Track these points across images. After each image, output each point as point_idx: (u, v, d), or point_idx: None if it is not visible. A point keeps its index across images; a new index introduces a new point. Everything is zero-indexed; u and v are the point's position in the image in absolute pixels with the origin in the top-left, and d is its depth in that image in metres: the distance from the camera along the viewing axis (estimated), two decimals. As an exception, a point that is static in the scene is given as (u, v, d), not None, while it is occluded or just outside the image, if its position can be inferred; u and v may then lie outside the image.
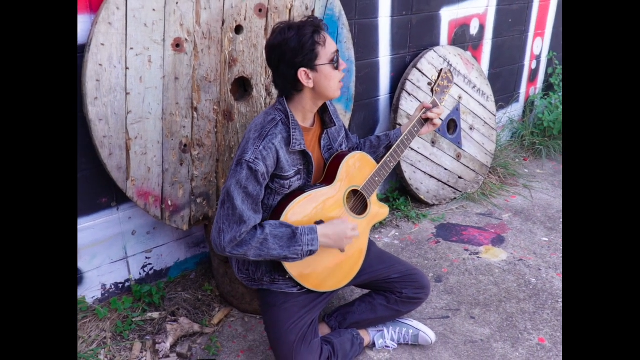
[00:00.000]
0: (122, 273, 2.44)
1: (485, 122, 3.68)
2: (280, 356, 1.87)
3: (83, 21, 1.94)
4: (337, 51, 1.81)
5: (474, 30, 3.64)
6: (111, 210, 2.29)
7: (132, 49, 1.97)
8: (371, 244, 2.25)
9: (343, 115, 2.78)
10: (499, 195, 3.68)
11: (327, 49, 1.78)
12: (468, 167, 3.60)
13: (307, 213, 1.89)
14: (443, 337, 2.32)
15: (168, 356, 2.18)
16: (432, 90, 2.22)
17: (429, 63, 3.25)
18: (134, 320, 2.33)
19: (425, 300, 2.26)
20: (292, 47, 1.74)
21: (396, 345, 2.24)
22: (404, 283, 2.18)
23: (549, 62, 4.51)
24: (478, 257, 2.92)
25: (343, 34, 2.60)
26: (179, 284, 2.61)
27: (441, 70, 2.24)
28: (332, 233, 1.86)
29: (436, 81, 2.22)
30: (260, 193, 1.79)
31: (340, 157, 2.01)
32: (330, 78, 1.80)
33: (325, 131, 2.01)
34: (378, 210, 2.16)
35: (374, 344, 2.23)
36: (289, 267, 1.90)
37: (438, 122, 2.20)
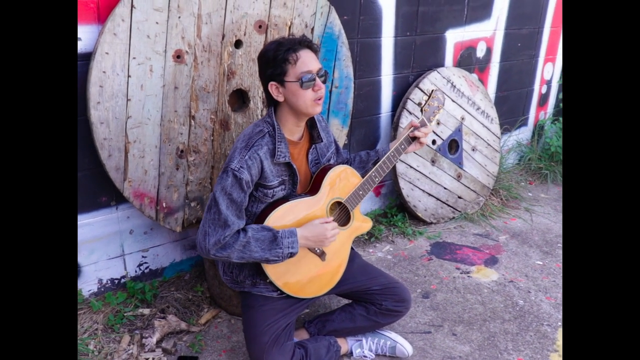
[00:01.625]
0: (119, 269, 2.56)
1: (489, 144, 3.72)
2: (252, 355, 1.96)
3: (91, 31, 2.09)
4: (314, 72, 1.85)
5: (480, 53, 3.70)
6: (110, 209, 2.42)
7: (134, 58, 2.11)
8: (355, 256, 2.33)
9: (340, 131, 2.87)
10: (498, 217, 3.71)
11: (298, 67, 1.83)
12: (468, 187, 3.65)
13: (288, 220, 1.97)
14: (422, 351, 2.37)
15: (153, 350, 2.28)
16: (421, 110, 2.29)
17: (432, 83, 3.32)
18: (125, 314, 2.44)
19: (405, 314, 2.31)
20: (266, 59, 1.87)
21: (374, 356, 2.30)
22: (385, 295, 2.24)
23: (561, 87, 4.52)
24: (468, 276, 2.96)
25: (342, 52, 2.70)
26: (172, 283, 2.72)
27: (432, 91, 2.31)
28: (311, 234, 1.94)
29: (426, 101, 2.30)
30: (244, 200, 1.88)
31: (325, 170, 2.09)
32: (297, 96, 1.87)
33: (313, 146, 2.10)
34: (361, 223, 2.23)
35: (351, 353, 2.30)
36: (270, 272, 1.99)
37: (424, 140, 2.26)
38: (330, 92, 2.75)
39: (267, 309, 2.03)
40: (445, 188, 3.52)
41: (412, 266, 3.05)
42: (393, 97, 3.34)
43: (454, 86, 3.44)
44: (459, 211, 3.63)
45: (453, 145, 3.55)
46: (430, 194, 3.46)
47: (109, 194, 2.38)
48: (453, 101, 3.45)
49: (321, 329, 2.28)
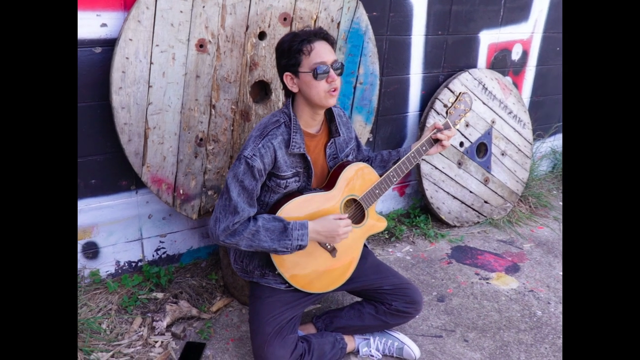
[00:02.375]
0: (136, 253, 2.62)
1: (519, 149, 3.62)
2: (255, 345, 1.96)
3: (117, 17, 2.14)
4: (328, 63, 1.84)
5: (515, 55, 3.60)
6: (130, 193, 2.47)
7: (157, 45, 2.14)
8: (369, 254, 2.31)
9: (363, 127, 2.84)
10: (525, 224, 3.60)
11: (312, 58, 1.83)
12: (496, 192, 3.56)
13: (301, 213, 1.97)
14: (431, 355, 2.33)
15: (163, 334, 2.32)
16: (446, 112, 2.24)
17: (462, 84, 3.26)
18: (139, 297, 2.49)
19: (414, 316, 2.27)
20: (281, 50, 1.88)
21: (380, 356, 2.27)
22: (395, 295, 2.21)
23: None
24: (487, 283, 2.89)
25: (368, 48, 2.68)
26: (189, 270, 2.76)
27: (459, 93, 2.26)
28: (323, 229, 1.93)
29: (452, 103, 2.24)
30: (256, 188, 1.89)
31: (343, 166, 2.07)
32: (311, 87, 1.86)
33: (331, 140, 2.09)
34: (375, 222, 2.20)
35: (358, 351, 2.27)
36: (279, 264, 1.99)
37: (447, 144, 2.21)
38: (355, 88, 2.72)
39: (273, 301, 2.03)
40: (471, 192, 3.44)
41: (430, 268, 3.00)
42: (421, 97, 3.28)
43: (486, 88, 3.36)
44: (484, 216, 3.55)
45: (482, 149, 3.47)
46: (455, 197, 3.39)
47: (129, 178, 2.43)
48: (484, 103, 3.36)
49: (329, 324, 2.26)
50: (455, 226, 3.47)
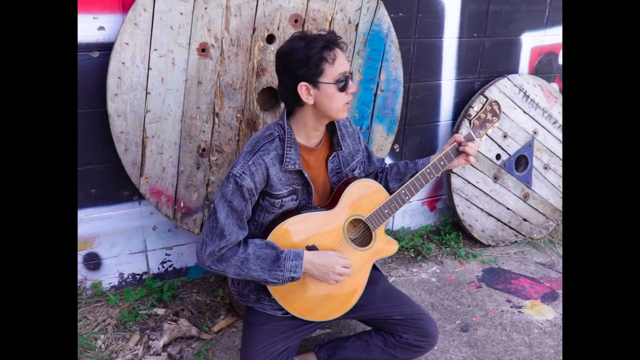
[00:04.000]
0: (141, 265, 2.51)
1: (565, 163, 3.29)
2: (241, 378, 1.80)
3: (115, 20, 2.03)
4: (349, 73, 1.70)
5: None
6: (132, 204, 2.37)
7: (156, 50, 2.02)
8: (380, 278, 2.10)
9: (384, 139, 2.62)
10: (570, 246, 3.26)
11: (336, 67, 1.66)
12: (537, 209, 3.24)
13: (297, 236, 1.80)
14: (447, 394, 2.09)
15: (159, 354, 2.19)
16: (470, 122, 2.00)
17: (500, 91, 2.97)
18: (139, 312, 2.38)
19: (427, 350, 2.03)
20: (297, 58, 1.65)
21: (387, 393, 2.05)
22: (407, 327, 1.98)
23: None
24: (519, 312, 2.60)
25: (391, 52, 2.46)
26: (196, 284, 2.63)
27: (486, 101, 2.01)
28: (319, 263, 1.76)
29: (478, 113, 2.00)
30: (245, 209, 1.72)
31: (347, 183, 1.88)
32: (332, 99, 1.69)
33: (333, 153, 1.90)
34: (384, 245, 1.99)
35: (363, 387, 2.06)
36: (274, 289, 1.82)
37: (473, 159, 1.97)
38: (375, 95, 2.51)
39: (266, 329, 1.86)
40: (508, 208, 3.15)
41: (457, 293, 2.74)
42: (454, 105, 3.03)
43: (527, 96, 3.06)
44: (523, 235, 3.25)
45: (521, 162, 3.17)
46: (489, 214, 3.11)
47: (131, 188, 2.33)
48: (525, 112, 3.07)
49: (331, 355, 2.07)
50: (489, 245, 3.18)
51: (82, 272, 2.39)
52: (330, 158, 1.89)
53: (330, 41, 1.66)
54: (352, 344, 2.06)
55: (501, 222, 3.16)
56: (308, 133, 1.81)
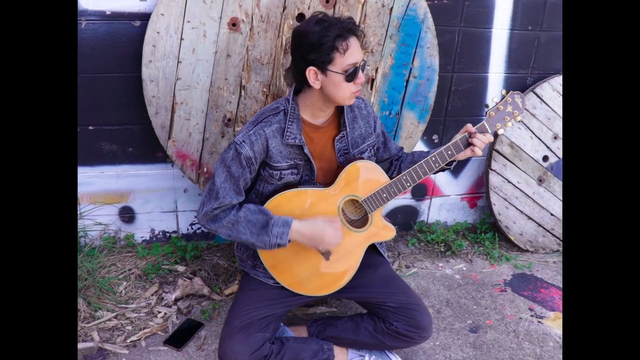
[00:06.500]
0: (171, 224, 2.69)
1: (626, 173, 3.04)
2: (220, 335, 1.89)
3: (154, -8, 2.18)
4: (359, 64, 1.70)
5: (635, 61, 3.01)
6: (166, 165, 2.54)
7: (189, 22, 2.14)
8: (382, 263, 2.11)
9: (415, 127, 2.58)
10: (619, 262, 3.03)
11: (346, 58, 1.67)
12: (586, 219, 3.03)
13: (291, 208, 1.85)
14: (436, 388, 2.06)
15: (170, 306, 2.36)
16: (485, 113, 1.93)
17: (554, 90, 2.81)
18: (162, 266, 2.57)
19: (418, 342, 2.01)
20: (310, 42, 1.67)
21: (373, 377, 2.07)
22: (399, 315, 1.97)
23: None
24: (539, 322, 2.47)
25: (426, 39, 2.41)
26: (220, 250, 2.77)
27: (507, 92, 1.93)
28: (308, 231, 1.79)
29: (496, 104, 1.92)
30: (242, 175, 1.80)
31: (348, 162, 1.90)
32: (339, 88, 1.72)
33: (341, 133, 1.92)
34: (379, 230, 1.98)
35: (349, 366, 2.09)
36: (265, 257, 1.90)
37: (478, 151, 1.90)
38: (407, 81, 2.48)
39: (254, 294, 1.94)
40: (552, 214, 2.98)
41: (477, 293, 2.66)
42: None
43: (586, 97, 2.86)
44: (567, 245, 3.05)
45: (573, 167, 2.98)
46: (530, 217, 2.96)
47: (163, 151, 2.49)
48: (582, 114, 2.87)
49: (321, 331, 2.11)
50: (527, 251, 3.03)
51: (116, 223, 2.62)
52: (337, 138, 1.91)
53: (346, 29, 1.67)
54: (343, 323, 2.08)
55: (543, 227, 3.00)
56: (314, 112, 1.84)
